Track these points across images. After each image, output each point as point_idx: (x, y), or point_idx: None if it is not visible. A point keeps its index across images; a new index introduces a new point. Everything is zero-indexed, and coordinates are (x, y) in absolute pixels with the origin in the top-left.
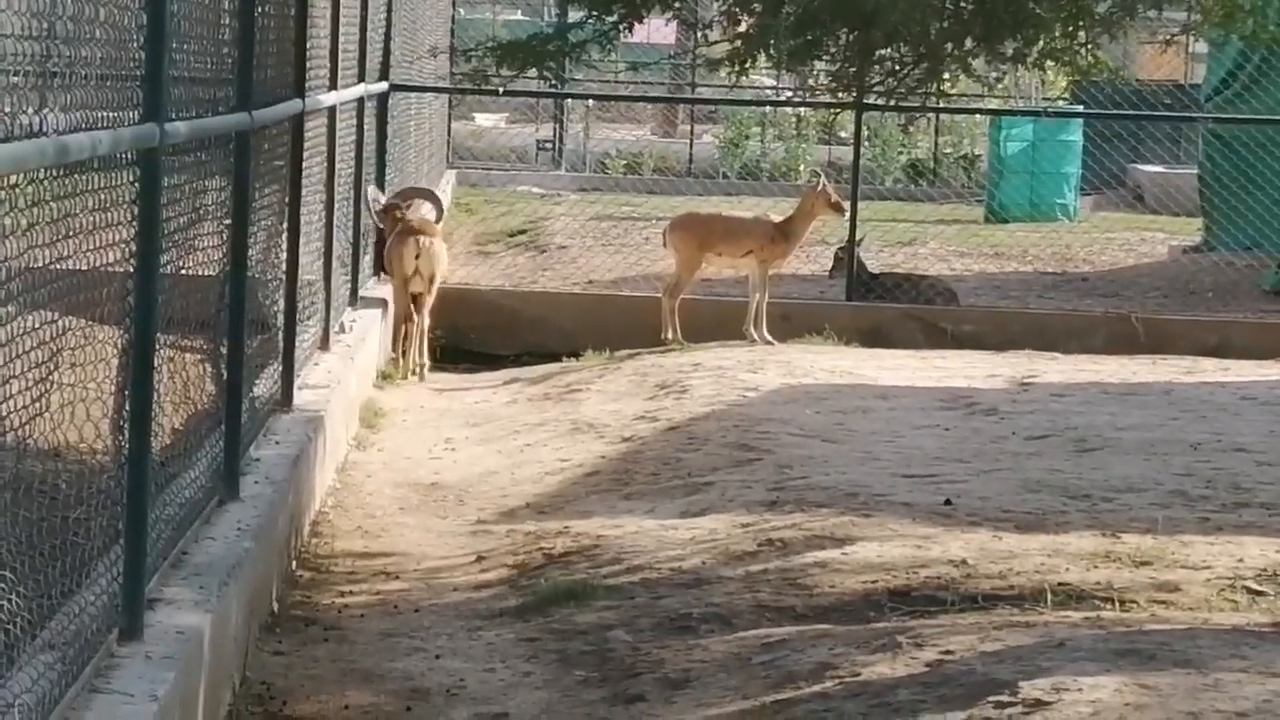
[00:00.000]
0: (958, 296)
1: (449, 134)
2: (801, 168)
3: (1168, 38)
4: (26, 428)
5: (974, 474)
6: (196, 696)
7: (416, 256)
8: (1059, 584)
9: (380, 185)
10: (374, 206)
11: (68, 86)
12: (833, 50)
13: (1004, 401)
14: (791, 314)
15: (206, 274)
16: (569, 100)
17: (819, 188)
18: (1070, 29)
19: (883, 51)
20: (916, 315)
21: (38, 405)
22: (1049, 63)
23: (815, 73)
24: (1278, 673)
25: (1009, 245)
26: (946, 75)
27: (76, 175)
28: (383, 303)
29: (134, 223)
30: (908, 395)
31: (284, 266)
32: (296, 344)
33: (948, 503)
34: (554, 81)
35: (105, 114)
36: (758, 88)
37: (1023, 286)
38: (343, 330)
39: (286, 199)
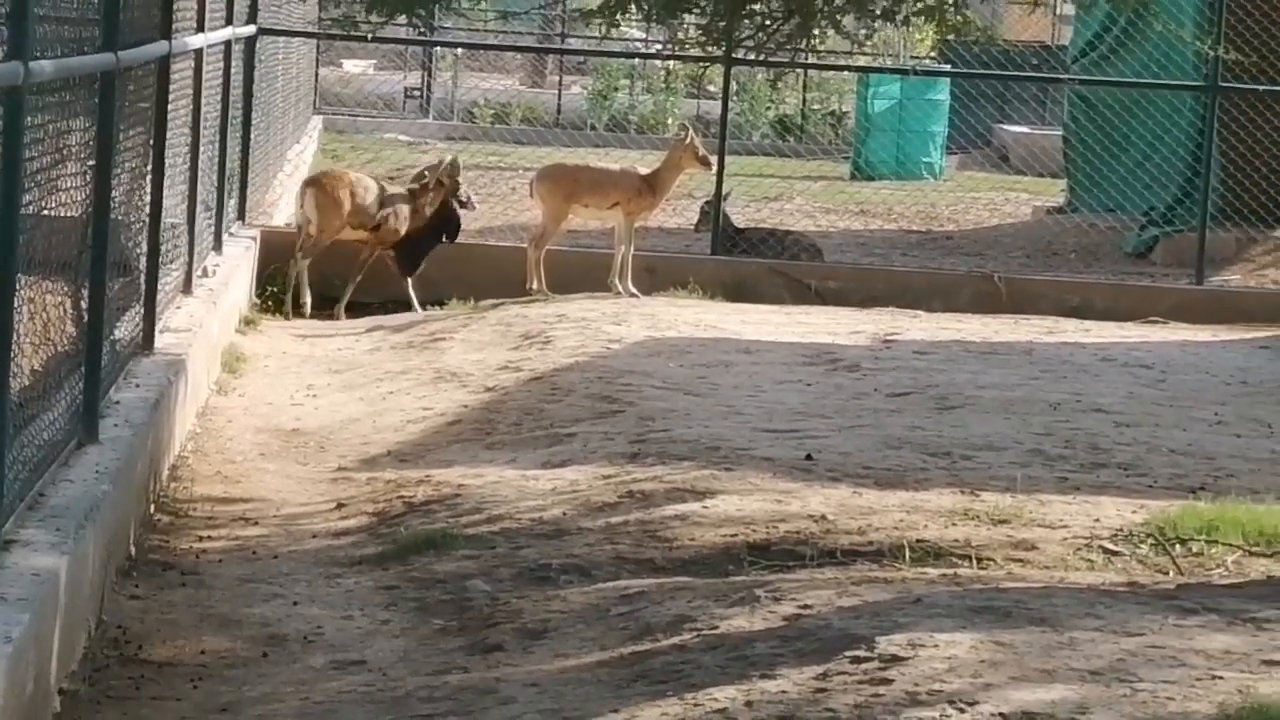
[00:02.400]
0: (823, 253)
1: (316, 79)
2: (670, 121)
3: None
4: None
5: (835, 430)
6: (51, 639)
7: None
8: (917, 541)
9: (246, 130)
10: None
11: None
12: (703, 4)
13: (866, 358)
14: (657, 267)
15: (69, 215)
16: (438, 48)
17: (686, 141)
18: None
19: (753, 6)
20: (781, 271)
21: None
22: (917, 20)
23: (685, 26)
24: (1131, 632)
25: (874, 203)
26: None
27: None
28: (247, 248)
29: None
30: (771, 350)
31: (147, 209)
32: (159, 287)
33: (809, 458)
34: (423, 29)
35: None
36: (627, 40)
37: (887, 244)
38: (206, 274)
39: (151, 141)
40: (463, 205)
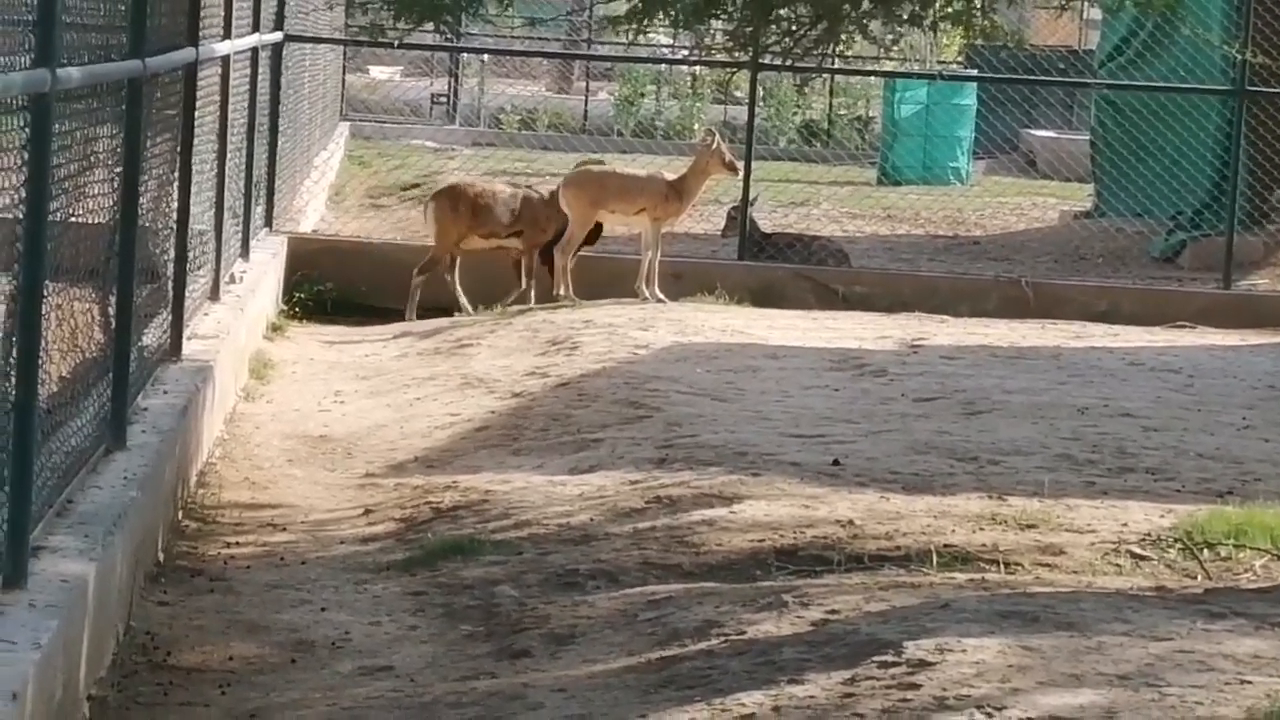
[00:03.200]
0: (849, 258)
1: (343, 86)
2: (696, 126)
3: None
4: None
5: (862, 435)
6: (80, 645)
7: None
8: (945, 545)
9: (273, 136)
10: None
11: None
12: (730, 9)
13: (893, 363)
14: (684, 272)
15: (96, 222)
16: (464, 54)
17: (713, 146)
18: None
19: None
20: (808, 276)
21: None
22: (945, 25)
23: (712, 31)
24: (1159, 636)
25: (901, 208)
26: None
27: None
28: (274, 254)
29: (24, 168)
30: (798, 355)
31: (175, 216)
32: (186, 294)
33: (836, 463)
34: (450, 35)
35: None
36: (654, 45)
37: (914, 249)
38: (233, 281)
39: (178, 148)
40: None
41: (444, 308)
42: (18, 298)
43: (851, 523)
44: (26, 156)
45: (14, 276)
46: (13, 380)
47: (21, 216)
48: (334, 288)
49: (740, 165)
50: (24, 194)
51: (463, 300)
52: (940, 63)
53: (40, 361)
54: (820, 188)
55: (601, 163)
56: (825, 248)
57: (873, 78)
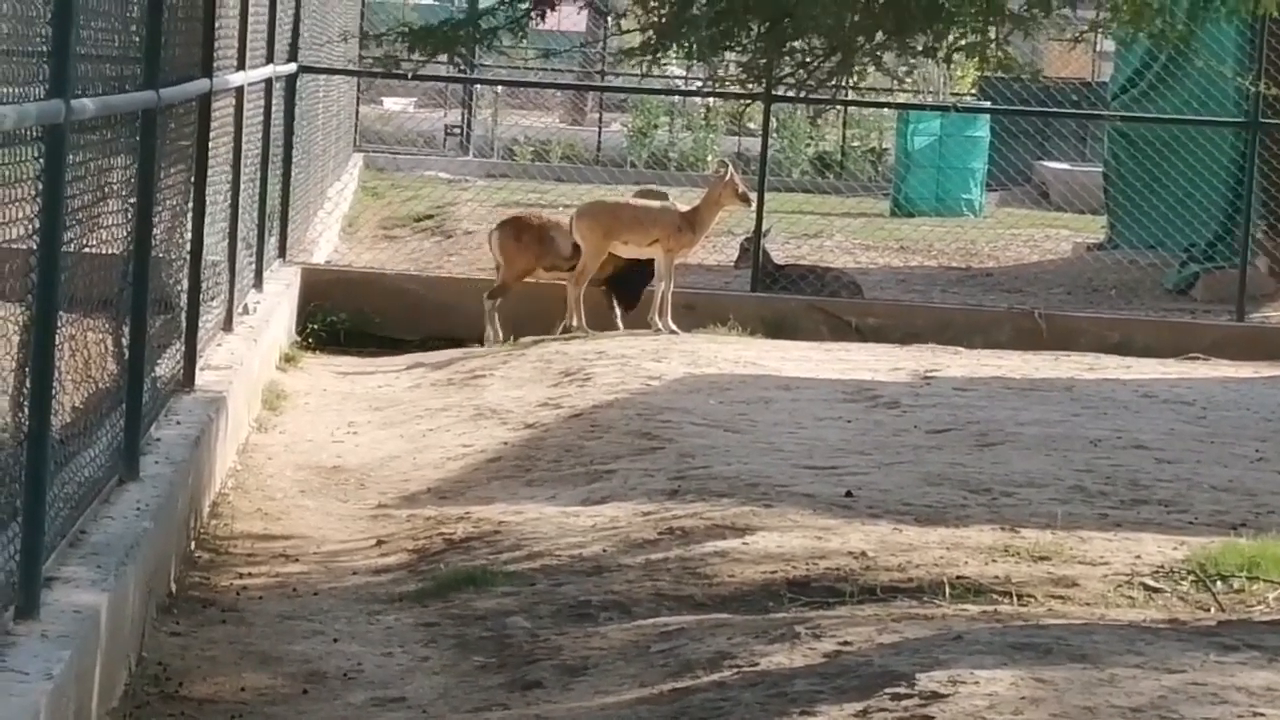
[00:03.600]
0: (862, 289)
1: (356, 117)
2: (709, 158)
3: (1076, 35)
4: None
5: (875, 466)
6: (93, 676)
7: None
8: (958, 577)
9: (287, 167)
10: None
11: None
12: (744, 41)
13: (906, 395)
14: (696, 304)
15: (110, 252)
16: (478, 86)
17: (726, 178)
18: (982, 24)
19: (794, 44)
20: (821, 307)
21: None
22: (959, 57)
23: (725, 63)
24: (1173, 669)
25: (914, 239)
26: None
27: None
28: (288, 285)
29: (38, 199)
30: (811, 387)
31: (188, 246)
32: (199, 324)
33: (848, 494)
34: (464, 67)
35: (10, 89)
36: (667, 77)
37: (927, 281)
38: (247, 311)
39: (192, 179)
40: None
41: (457, 339)
42: (31, 328)
43: (864, 554)
44: (41, 187)
45: (28, 307)
46: (26, 410)
47: (35, 247)
48: (347, 318)
49: (753, 196)
50: (38, 224)
51: (494, 329)
52: (954, 95)
53: (54, 392)
54: (833, 219)
55: (665, 195)
56: (838, 279)
57: (886, 109)
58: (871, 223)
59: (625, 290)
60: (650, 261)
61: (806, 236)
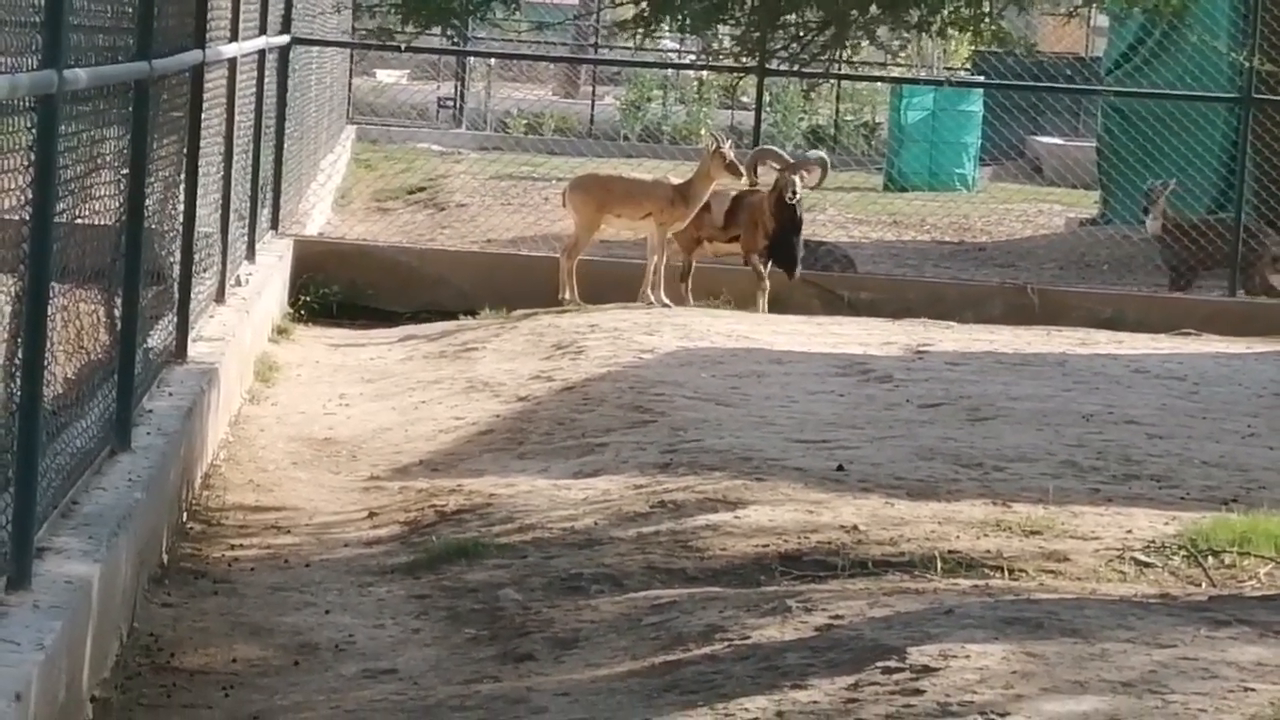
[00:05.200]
0: (855, 264)
1: (350, 89)
2: (703, 132)
3: (1071, 9)
4: None
5: (867, 440)
6: (84, 646)
7: None
8: (949, 551)
9: (279, 139)
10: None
11: None
12: (738, 15)
13: (898, 369)
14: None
15: (103, 223)
16: (471, 58)
17: (715, 150)
18: None
19: (788, 17)
20: (814, 281)
21: None
22: (953, 31)
23: (719, 36)
24: (1163, 643)
25: (907, 214)
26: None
27: None
28: (280, 257)
29: (30, 169)
30: (803, 361)
31: (181, 218)
32: (192, 296)
33: (840, 468)
34: (457, 39)
35: (2, 59)
36: (661, 50)
37: (920, 255)
38: (239, 284)
39: (185, 150)
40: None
41: (449, 311)
42: (23, 299)
43: (856, 528)
44: (33, 157)
45: (20, 277)
46: (18, 381)
47: (28, 218)
48: (340, 290)
49: (743, 168)
50: (30, 195)
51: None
52: (947, 69)
53: (46, 363)
54: (826, 193)
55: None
56: (831, 253)
57: (880, 84)
58: (865, 197)
59: (781, 255)
60: (798, 228)
61: None
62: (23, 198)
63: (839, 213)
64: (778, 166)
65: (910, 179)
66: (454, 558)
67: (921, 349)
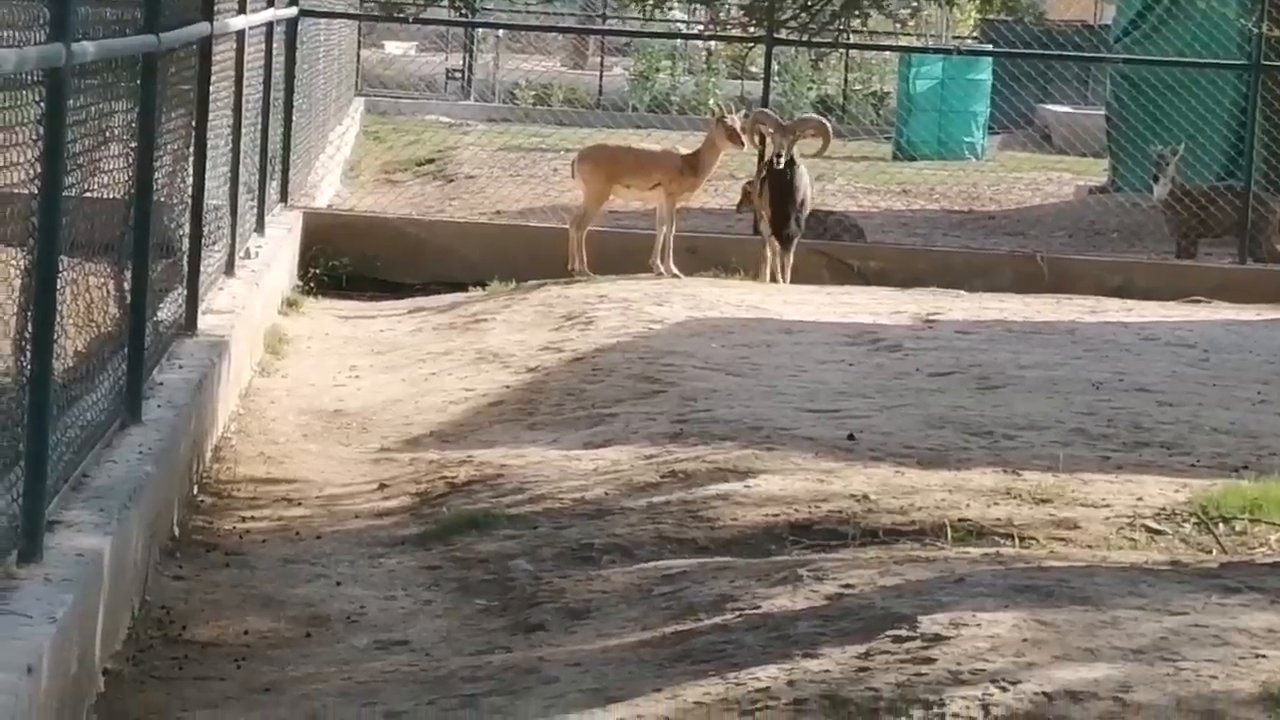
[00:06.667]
0: (864, 233)
1: (358, 61)
2: (711, 102)
3: None
4: None
5: (877, 409)
6: (96, 619)
7: None
8: (960, 520)
9: (288, 111)
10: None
11: None
12: None
13: (908, 338)
14: (698, 247)
15: (112, 197)
16: (480, 30)
17: (720, 119)
18: None
19: None
20: (823, 251)
21: None
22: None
23: (727, 6)
24: (1174, 611)
25: (917, 183)
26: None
27: None
28: (289, 229)
29: (39, 143)
30: (813, 330)
31: (190, 191)
32: (201, 269)
33: (851, 438)
34: (465, 10)
35: (10, 33)
36: (669, 20)
37: (929, 224)
38: (248, 256)
39: (193, 123)
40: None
41: (458, 283)
42: (33, 272)
43: (866, 497)
44: (41, 131)
45: (29, 251)
46: (28, 355)
47: (36, 191)
48: (349, 262)
49: (746, 138)
50: (39, 169)
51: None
52: (956, 38)
53: (55, 336)
54: (835, 163)
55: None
56: (840, 223)
57: (888, 53)
58: (874, 166)
59: (775, 223)
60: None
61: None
62: (32, 171)
63: (848, 182)
64: (770, 130)
65: (919, 148)
66: (465, 529)
67: (931, 318)
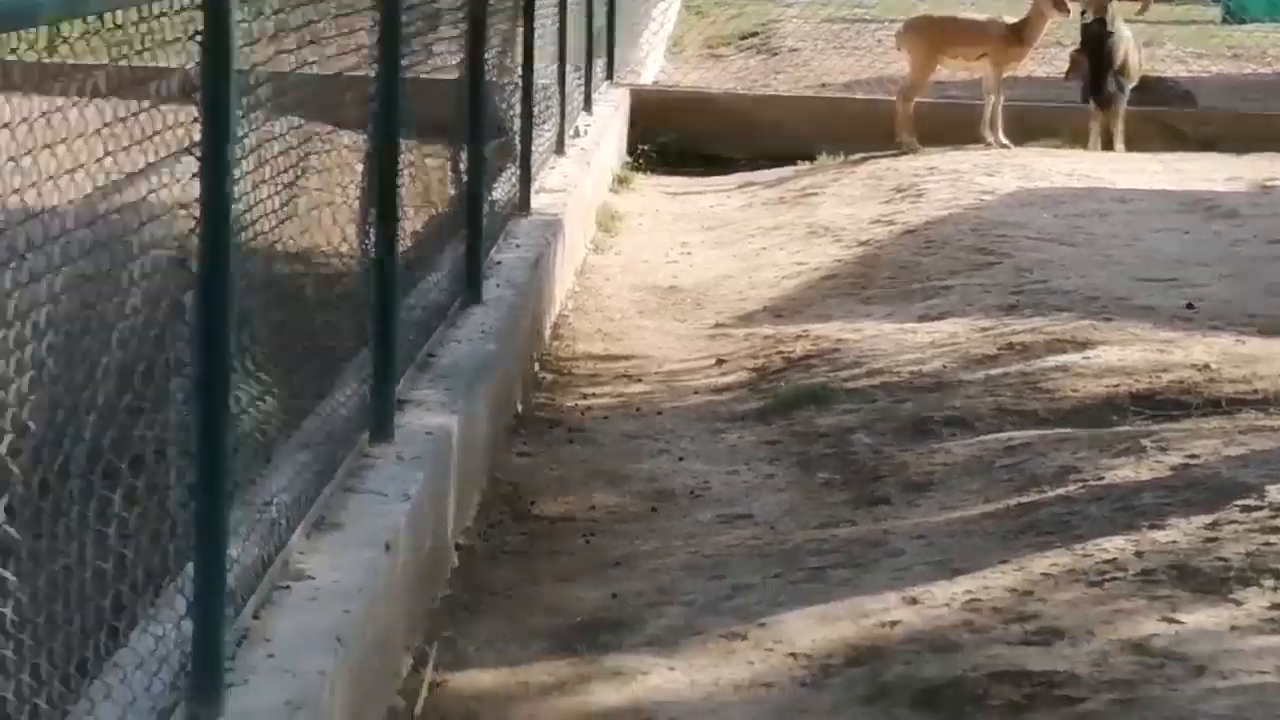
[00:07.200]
0: (1195, 99)
1: None
2: None
3: None
4: (276, 232)
5: (1215, 278)
6: (447, 496)
7: None
8: None
9: None
10: None
11: None
12: None
13: (1245, 204)
14: (1027, 116)
15: (444, 79)
16: None
17: None
18: None
19: None
20: (1153, 118)
21: (286, 210)
22: None
23: None
24: None
25: (1248, 46)
26: None
27: None
28: (616, 106)
29: (376, 29)
30: (1146, 199)
31: (519, 71)
32: (533, 148)
33: (1189, 306)
34: None
35: None
36: None
37: (1264, 89)
38: (577, 135)
39: (521, 3)
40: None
41: (786, 157)
42: (373, 156)
43: (1207, 366)
44: (377, 16)
45: (370, 136)
46: (372, 238)
47: (374, 74)
48: (676, 139)
49: (1072, 6)
50: (376, 53)
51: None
52: None
53: (397, 218)
54: (1163, 27)
55: None
56: (1171, 89)
57: None
58: (1203, 30)
59: (1092, 85)
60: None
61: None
62: (369, 55)
63: (1176, 47)
64: None
65: (1250, 9)
66: (803, 403)
67: (1268, 184)
